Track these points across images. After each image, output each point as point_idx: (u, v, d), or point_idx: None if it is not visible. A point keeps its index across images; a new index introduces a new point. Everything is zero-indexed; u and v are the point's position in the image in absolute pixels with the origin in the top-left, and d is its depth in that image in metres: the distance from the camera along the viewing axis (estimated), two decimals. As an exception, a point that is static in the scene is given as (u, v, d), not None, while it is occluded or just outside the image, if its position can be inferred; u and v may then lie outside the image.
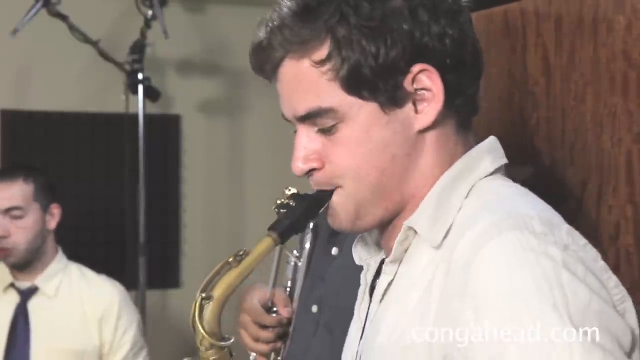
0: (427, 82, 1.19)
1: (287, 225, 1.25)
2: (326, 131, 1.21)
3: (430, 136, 1.22)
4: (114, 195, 4.15)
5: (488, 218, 1.13)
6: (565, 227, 1.14)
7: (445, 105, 1.21)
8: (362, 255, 1.35)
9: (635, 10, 1.69)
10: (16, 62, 4.11)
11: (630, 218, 1.70)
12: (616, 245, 1.73)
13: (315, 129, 1.22)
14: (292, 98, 1.23)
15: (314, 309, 1.86)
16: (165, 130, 4.38)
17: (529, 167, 1.93)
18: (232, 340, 1.26)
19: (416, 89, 1.20)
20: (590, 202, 1.78)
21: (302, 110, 1.21)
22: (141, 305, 3.70)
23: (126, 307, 3.15)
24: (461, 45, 1.21)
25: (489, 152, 1.25)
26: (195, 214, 4.44)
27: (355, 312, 1.35)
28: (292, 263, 1.93)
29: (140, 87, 3.80)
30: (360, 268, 1.36)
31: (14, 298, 3.09)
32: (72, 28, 3.68)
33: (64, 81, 4.15)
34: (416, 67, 1.19)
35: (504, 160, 1.26)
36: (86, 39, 3.73)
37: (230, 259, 1.25)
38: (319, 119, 1.21)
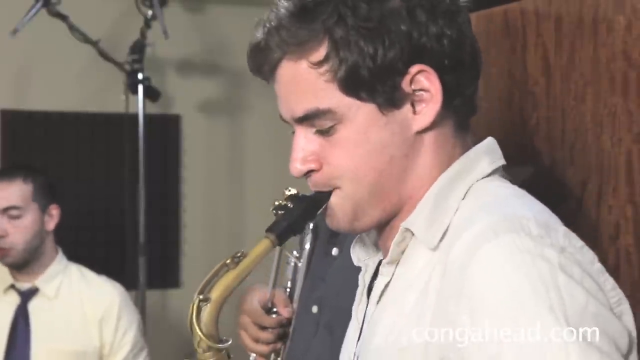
0: (425, 83, 1.19)
1: (285, 227, 1.25)
2: (324, 132, 1.21)
3: (429, 137, 1.22)
4: (114, 195, 4.15)
5: (485, 220, 1.12)
6: (562, 229, 1.13)
7: (443, 106, 1.20)
8: (361, 256, 1.35)
9: (635, 10, 1.69)
10: (16, 62, 4.11)
11: (630, 218, 1.70)
12: (616, 245, 1.72)
13: (313, 130, 1.22)
14: (289, 99, 1.22)
15: (314, 309, 1.86)
16: (165, 130, 4.38)
17: (529, 167, 1.93)
18: (229, 343, 1.26)
19: (414, 90, 1.20)
20: (590, 202, 1.78)
21: (300, 111, 1.21)
22: (141, 305, 3.70)
23: (126, 308, 3.15)
24: (459, 45, 1.21)
25: (486, 154, 1.25)
26: (195, 214, 4.44)
27: (353, 313, 1.34)
28: (292, 264, 1.93)
29: (140, 87, 3.80)
30: (361, 268, 1.36)
31: (14, 299, 3.09)
32: (72, 28, 3.68)
33: (64, 81, 4.15)
34: (414, 68, 1.19)
35: (502, 162, 1.26)
36: (86, 39, 3.73)
37: (228, 261, 1.25)
38: (317, 120, 1.20)
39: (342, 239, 1.80)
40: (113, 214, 4.20)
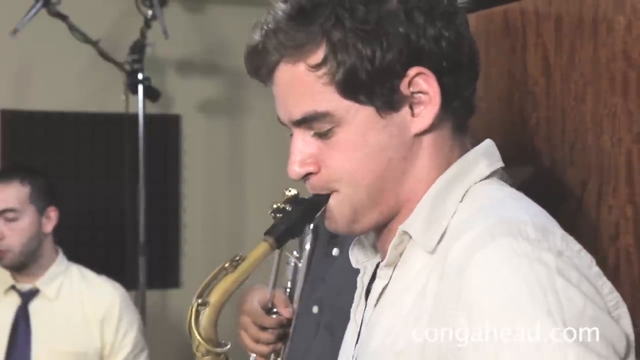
0: (423, 85, 1.19)
1: (284, 230, 1.25)
2: (322, 135, 1.20)
3: (427, 139, 1.21)
4: (114, 195, 4.15)
5: (482, 223, 1.12)
6: (560, 232, 1.13)
7: (442, 109, 1.20)
8: (359, 258, 1.35)
9: (635, 10, 1.69)
10: (16, 62, 4.11)
11: (630, 218, 1.70)
12: (616, 245, 1.72)
13: (311, 132, 1.21)
14: (287, 102, 1.22)
15: (315, 309, 1.86)
16: (165, 130, 4.38)
17: (529, 167, 1.93)
18: (228, 347, 1.26)
19: (413, 93, 1.19)
20: (590, 202, 1.78)
21: (298, 114, 1.21)
22: (141, 305, 3.70)
23: (127, 309, 3.15)
24: (457, 47, 1.20)
25: (485, 156, 1.24)
26: (195, 214, 4.44)
27: (352, 315, 1.34)
28: (292, 264, 1.93)
29: (140, 87, 3.80)
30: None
31: (15, 300, 3.09)
32: (72, 28, 3.68)
33: (64, 81, 4.15)
34: (412, 71, 1.18)
35: (500, 164, 1.25)
36: (86, 39, 3.73)
37: (227, 264, 1.24)
38: (315, 123, 1.20)
39: (342, 239, 1.80)
40: (113, 214, 4.20)
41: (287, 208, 1.26)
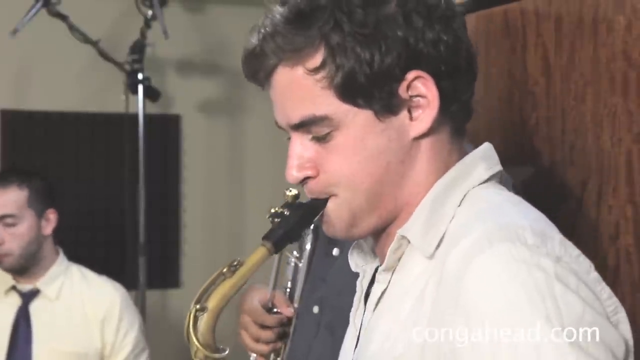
0: (422, 89, 1.18)
1: (282, 235, 1.24)
2: (320, 139, 1.20)
3: (425, 143, 1.21)
4: (114, 195, 4.15)
5: (480, 229, 1.12)
6: (558, 237, 1.13)
7: (440, 112, 1.19)
8: (358, 262, 1.34)
9: (635, 10, 1.69)
10: (16, 62, 4.11)
11: (630, 218, 1.70)
12: (616, 245, 1.73)
13: (310, 136, 1.21)
14: (285, 106, 1.21)
15: (315, 309, 1.86)
16: (165, 130, 4.38)
17: (529, 167, 1.93)
18: (226, 352, 1.25)
19: (411, 96, 1.19)
20: (590, 202, 1.78)
21: (296, 118, 1.20)
22: (141, 305, 3.70)
23: (128, 309, 3.15)
24: (456, 51, 1.20)
25: (483, 159, 1.24)
26: (195, 214, 4.44)
27: (351, 319, 1.34)
28: (292, 264, 1.93)
29: (140, 87, 3.80)
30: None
31: (15, 300, 3.09)
32: (72, 28, 3.68)
33: (64, 81, 4.15)
34: (411, 74, 1.18)
35: (499, 167, 1.25)
36: (86, 39, 3.73)
37: (225, 270, 1.24)
38: (314, 127, 1.20)
39: (342, 239, 1.79)
40: (113, 214, 4.20)
41: (285, 212, 1.26)
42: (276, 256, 1.87)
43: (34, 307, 3.08)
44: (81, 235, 4.11)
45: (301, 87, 1.19)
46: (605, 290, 1.12)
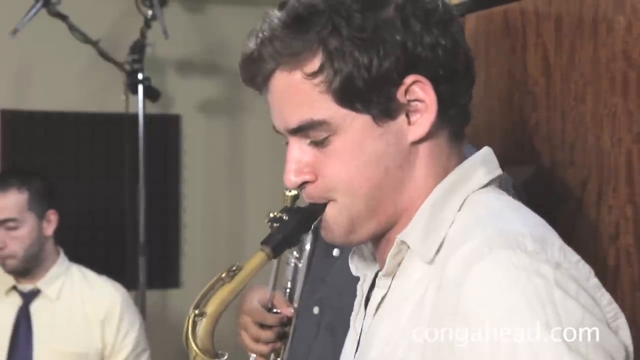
0: (420, 93, 1.18)
1: (280, 240, 1.24)
2: (319, 144, 1.19)
3: (424, 148, 1.21)
4: (114, 195, 4.15)
5: (480, 235, 1.11)
6: (558, 243, 1.13)
7: (438, 117, 1.19)
8: (359, 266, 1.34)
9: (635, 10, 1.69)
10: (16, 62, 4.11)
11: (630, 218, 1.70)
12: (616, 245, 1.73)
13: (308, 141, 1.21)
14: (283, 110, 1.21)
15: (316, 310, 1.86)
16: (165, 130, 4.38)
17: (529, 167, 1.93)
18: (225, 357, 1.25)
19: (409, 101, 1.18)
20: (590, 202, 1.78)
21: (294, 122, 1.20)
22: (141, 305, 3.70)
23: (128, 309, 3.15)
24: (454, 55, 1.20)
25: (483, 164, 1.24)
26: (195, 214, 4.44)
27: (351, 323, 1.34)
28: (292, 264, 1.93)
29: (140, 87, 3.80)
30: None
31: (16, 301, 3.09)
32: (72, 28, 3.68)
33: (64, 81, 4.15)
34: (409, 79, 1.17)
35: (499, 172, 1.25)
36: (86, 39, 3.73)
37: (224, 275, 1.23)
38: (312, 131, 1.19)
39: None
40: (113, 214, 4.20)
41: (284, 217, 1.25)
42: (276, 257, 1.87)
43: (35, 307, 3.08)
44: (81, 235, 4.11)
45: (299, 91, 1.19)
46: (605, 296, 1.12)
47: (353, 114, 1.18)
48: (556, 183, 1.86)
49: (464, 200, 1.20)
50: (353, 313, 1.34)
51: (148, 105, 3.87)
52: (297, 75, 1.18)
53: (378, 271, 1.27)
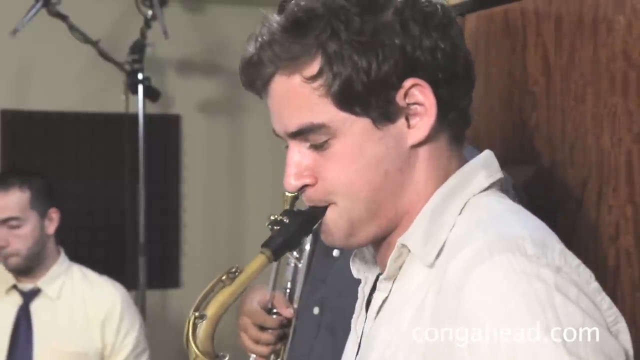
0: (419, 96, 1.18)
1: (281, 243, 1.24)
2: (318, 147, 1.20)
3: (424, 151, 1.21)
4: (114, 195, 4.15)
5: (480, 239, 1.11)
6: (559, 247, 1.13)
7: (438, 120, 1.19)
8: (360, 269, 1.34)
9: (635, 10, 1.69)
10: (16, 62, 4.11)
11: (630, 218, 1.70)
12: (616, 245, 1.73)
13: (307, 144, 1.21)
14: (283, 114, 1.21)
15: (316, 310, 1.86)
16: (165, 130, 4.38)
17: (529, 167, 1.93)
18: (226, 359, 1.25)
19: (409, 104, 1.18)
20: (590, 202, 1.78)
21: (293, 126, 1.20)
22: (141, 305, 3.70)
23: (128, 309, 3.15)
24: (453, 58, 1.20)
25: (484, 167, 1.24)
26: (195, 214, 4.44)
27: (352, 326, 1.34)
28: (292, 264, 1.93)
29: (140, 87, 3.80)
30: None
31: (16, 300, 3.09)
32: (72, 28, 3.68)
33: (64, 81, 4.15)
34: (408, 82, 1.17)
35: (500, 175, 1.25)
36: (86, 39, 3.73)
37: (224, 277, 1.24)
38: (311, 134, 1.19)
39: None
40: (113, 214, 4.20)
41: (285, 220, 1.25)
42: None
43: (35, 306, 3.08)
44: (81, 235, 4.11)
45: (298, 95, 1.19)
46: (605, 301, 1.12)
47: (352, 117, 1.18)
48: (556, 183, 1.86)
49: (465, 204, 1.20)
50: (354, 315, 1.34)
51: (148, 105, 3.87)
52: (297, 79, 1.18)
53: (379, 274, 1.27)
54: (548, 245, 1.11)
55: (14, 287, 3.10)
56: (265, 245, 1.24)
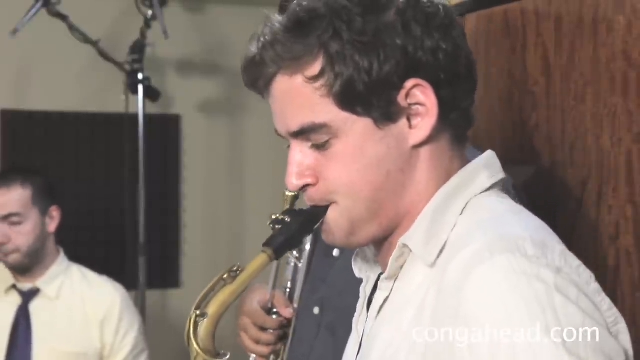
0: (420, 97, 1.18)
1: (282, 242, 1.25)
2: (320, 147, 1.20)
3: (425, 151, 1.21)
4: (114, 195, 4.15)
5: (481, 239, 1.12)
6: (559, 248, 1.13)
7: (439, 120, 1.19)
8: (362, 268, 1.34)
9: (635, 10, 1.69)
10: (16, 62, 4.11)
11: (630, 218, 1.70)
12: (616, 245, 1.73)
13: (309, 144, 1.21)
14: (285, 114, 1.22)
15: (316, 310, 1.86)
16: (165, 130, 4.38)
17: (529, 167, 1.93)
18: (227, 357, 1.26)
19: (410, 104, 1.19)
20: (590, 202, 1.78)
21: (295, 126, 1.20)
22: (141, 305, 3.70)
23: (128, 309, 3.15)
24: (455, 59, 1.20)
25: (485, 167, 1.24)
26: (195, 214, 4.44)
27: (354, 325, 1.34)
28: (292, 264, 1.93)
29: (140, 87, 3.80)
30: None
31: (15, 299, 3.09)
32: (72, 28, 3.68)
33: (64, 81, 4.15)
34: (410, 82, 1.18)
35: (501, 175, 1.25)
36: (86, 39, 3.73)
37: (225, 275, 1.24)
38: (313, 134, 1.20)
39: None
40: (113, 214, 4.20)
41: (286, 219, 1.26)
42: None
43: (34, 306, 3.08)
44: (81, 235, 4.11)
45: (300, 95, 1.19)
46: (605, 301, 1.12)
47: (354, 117, 1.18)
48: (556, 183, 1.86)
49: (467, 204, 1.20)
50: (355, 315, 1.34)
51: (148, 105, 3.87)
52: (298, 79, 1.19)
53: (381, 273, 1.27)
54: (548, 246, 1.11)
55: (13, 286, 3.10)
56: (266, 244, 1.25)
